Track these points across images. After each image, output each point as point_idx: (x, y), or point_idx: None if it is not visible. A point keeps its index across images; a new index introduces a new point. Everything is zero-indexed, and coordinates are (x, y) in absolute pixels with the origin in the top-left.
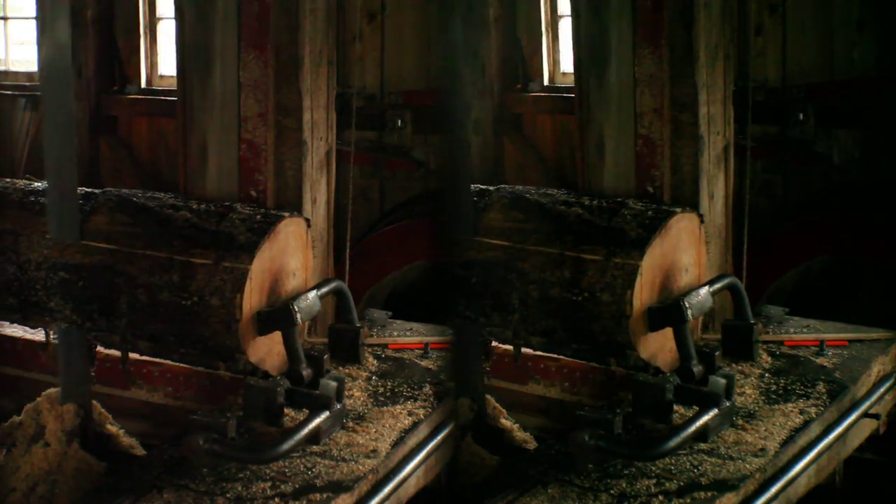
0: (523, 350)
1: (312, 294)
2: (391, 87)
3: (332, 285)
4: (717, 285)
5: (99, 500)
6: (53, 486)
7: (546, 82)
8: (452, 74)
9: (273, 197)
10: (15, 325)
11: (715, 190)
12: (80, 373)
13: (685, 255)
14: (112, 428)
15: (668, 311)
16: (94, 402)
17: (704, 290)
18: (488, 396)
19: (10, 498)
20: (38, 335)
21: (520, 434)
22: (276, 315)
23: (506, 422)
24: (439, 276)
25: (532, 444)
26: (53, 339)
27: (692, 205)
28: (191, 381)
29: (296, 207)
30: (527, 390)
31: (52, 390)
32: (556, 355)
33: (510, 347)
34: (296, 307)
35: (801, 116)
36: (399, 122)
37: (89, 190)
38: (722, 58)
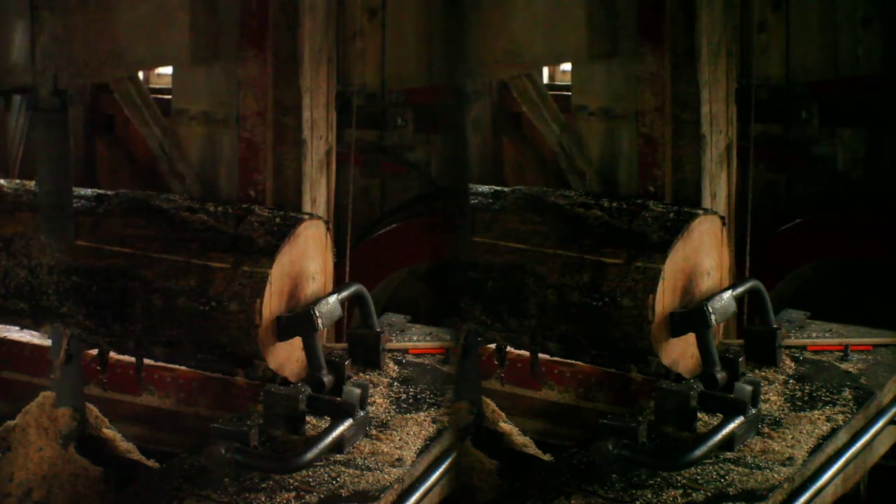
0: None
1: (333, 298)
2: (392, 85)
3: (353, 289)
4: (740, 289)
5: None
6: (49, 490)
7: (546, 81)
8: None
9: (272, 196)
10: (24, 330)
11: (717, 190)
12: (75, 376)
13: (707, 258)
14: (108, 432)
15: (691, 316)
16: (90, 405)
17: (728, 295)
18: (487, 400)
19: (5, 503)
20: (46, 340)
21: (519, 438)
22: (297, 320)
23: (505, 425)
24: (447, 279)
25: (532, 449)
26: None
27: (694, 205)
28: (204, 387)
29: (295, 207)
30: (540, 396)
31: (47, 394)
32: (570, 361)
33: (525, 352)
34: (317, 312)
35: (804, 115)
36: (399, 120)
37: (102, 192)
38: (724, 55)
